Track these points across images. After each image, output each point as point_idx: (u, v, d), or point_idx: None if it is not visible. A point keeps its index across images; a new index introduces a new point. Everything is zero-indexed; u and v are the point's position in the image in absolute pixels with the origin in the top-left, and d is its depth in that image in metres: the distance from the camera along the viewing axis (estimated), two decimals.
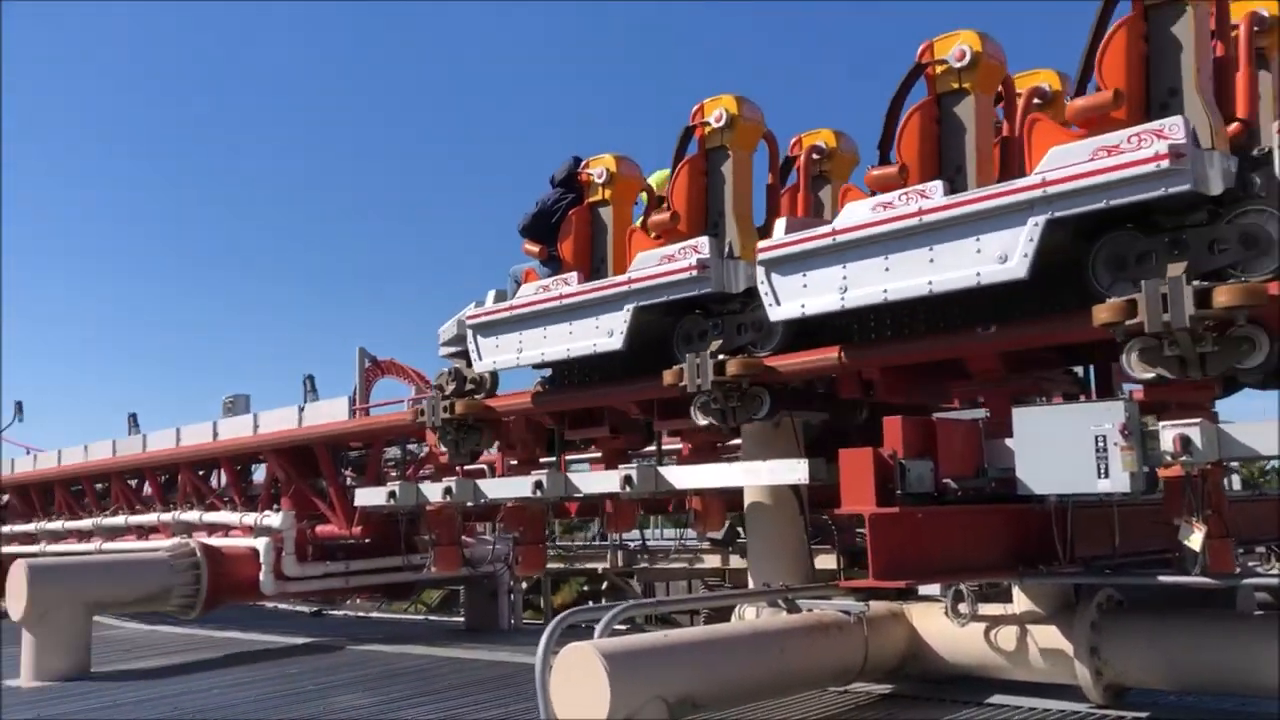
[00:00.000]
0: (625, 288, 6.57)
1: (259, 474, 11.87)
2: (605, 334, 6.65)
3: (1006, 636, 5.52)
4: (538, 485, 7.39)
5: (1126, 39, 4.95)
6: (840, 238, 5.64)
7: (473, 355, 7.56)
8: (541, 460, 8.54)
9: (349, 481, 10.45)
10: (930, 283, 5.31)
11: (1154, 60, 4.95)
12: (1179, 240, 4.83)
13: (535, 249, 7.70)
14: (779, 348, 6.18)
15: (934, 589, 5.94)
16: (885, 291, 5.49)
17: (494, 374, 7.97)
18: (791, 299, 5.87)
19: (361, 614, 14.27)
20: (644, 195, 7.35)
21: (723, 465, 6.79)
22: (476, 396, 8.10)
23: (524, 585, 11.71)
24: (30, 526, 14.47)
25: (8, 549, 14.77)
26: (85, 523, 13.26)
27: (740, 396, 6.23)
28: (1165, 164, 4.51)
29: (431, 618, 14.25)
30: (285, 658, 9.58)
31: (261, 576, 9.83)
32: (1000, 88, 5.76)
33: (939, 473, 4.99)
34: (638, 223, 7.06)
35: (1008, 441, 5.00)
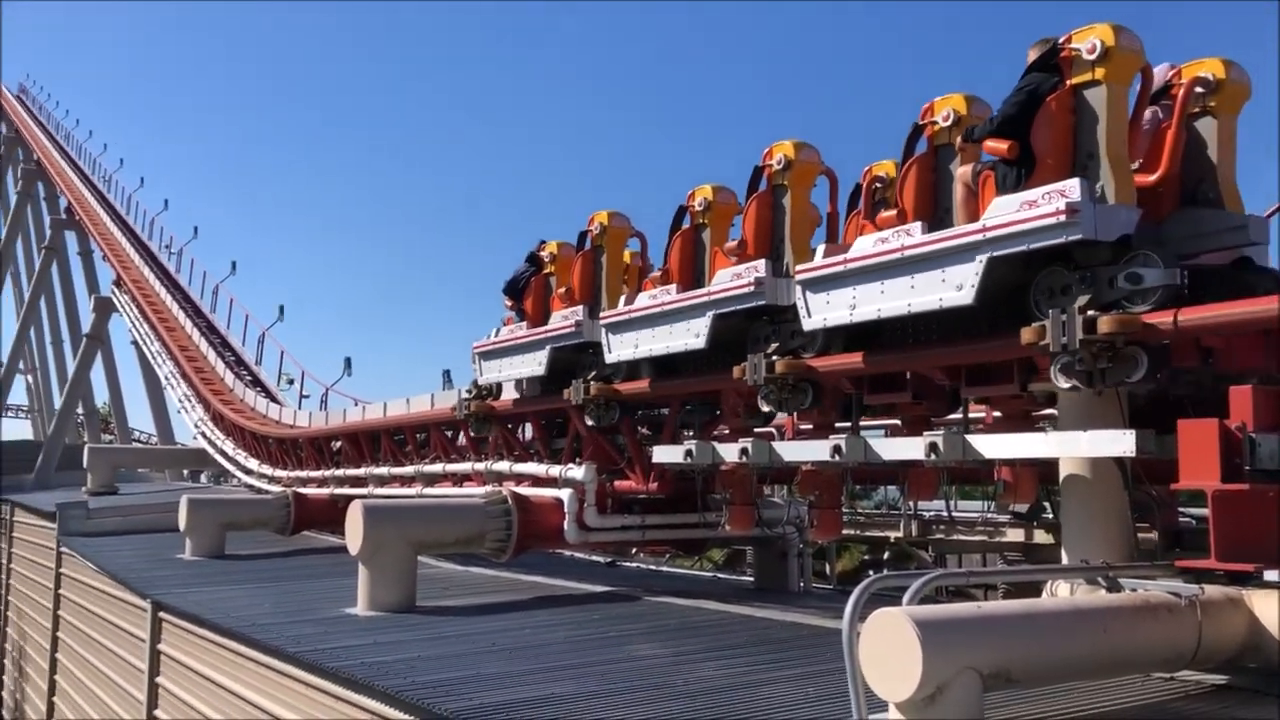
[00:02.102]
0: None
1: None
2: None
3: None
4: (836, 449, 7.33)
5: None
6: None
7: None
8: (836, 425, 8.46)
9: (645, 439, 10.74)
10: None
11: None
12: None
13: (509, 303, 11.64)
14: None
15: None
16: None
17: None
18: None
19: (653, 567, 14.73)
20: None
21: (1038, 435, 6.48)
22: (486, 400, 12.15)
23: (810, 550, 11.65)
24: (360, 471, 15.87)
25: (340, 490, 16.34)
26: (407, 469, 14.38)
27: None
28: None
29: (719, 575, 14.48)
30: (586, 604, 10.03)
31: (565, 525, 10.30)
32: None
33: None
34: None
35: None
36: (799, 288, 7.49)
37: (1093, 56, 6.07)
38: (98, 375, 43.23)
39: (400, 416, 14.75)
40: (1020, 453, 6.45)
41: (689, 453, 8.69)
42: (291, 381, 25.21)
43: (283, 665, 8.19)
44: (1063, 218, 5.80)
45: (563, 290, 10.58)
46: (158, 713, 11.93)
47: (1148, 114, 6.50)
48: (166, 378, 29.17)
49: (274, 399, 23.66)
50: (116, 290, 35.03)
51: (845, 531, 11.48)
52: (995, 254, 6.14)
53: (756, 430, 9.09)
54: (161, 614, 11.82)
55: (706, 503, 9.92)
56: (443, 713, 5.76)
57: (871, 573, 14.32)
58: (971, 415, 7.87)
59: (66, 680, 18.56)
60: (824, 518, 8.39)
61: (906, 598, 4.77)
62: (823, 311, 7.36)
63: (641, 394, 9.83)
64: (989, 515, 11.58)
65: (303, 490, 17.43)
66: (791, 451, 7.95)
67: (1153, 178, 6.25)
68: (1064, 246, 5.95)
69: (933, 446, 6.59)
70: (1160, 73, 6.55)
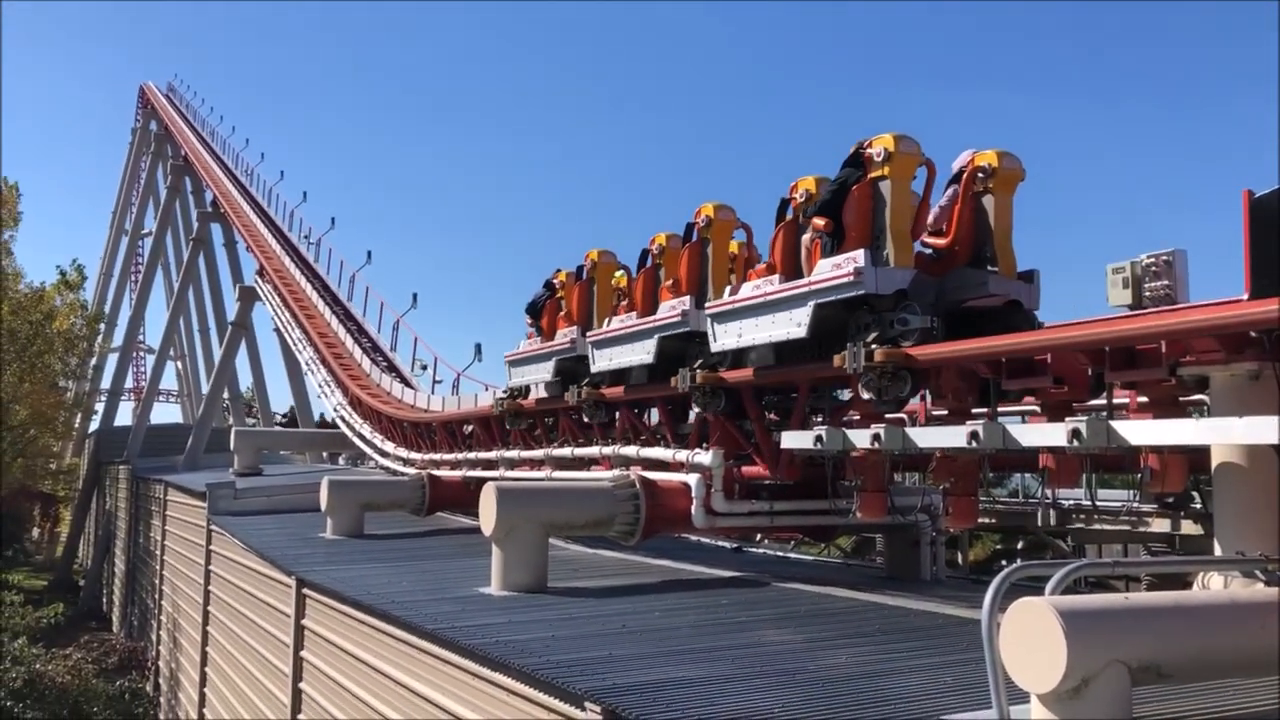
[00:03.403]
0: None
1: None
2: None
3: None
4: (973, 435, 7.15)
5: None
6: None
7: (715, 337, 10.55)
8: (973, 411, 8.27)
9: (772, 425, 10.67)
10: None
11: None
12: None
13: (529, 321, 14.55)
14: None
15: None
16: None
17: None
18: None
19: (780, 553, 14.66)
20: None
21: (1188, 421, 6.22)
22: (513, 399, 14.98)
23: (942, 538, 11.41)
24: (491, 454, 16.20)
25: (472, 473, 16.71)
26: (537, 453, 14.62)
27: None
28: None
29: (848, 562, 14.32)
30: (714, 589, 10.05)
31: (693, 510, 10.31)
32: None
33: None
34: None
35: None
36: (708, 319, 10.03)
37: (880, 159, 8.37)
38: (242, 361, 45.22)
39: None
40: (1169, 439, 6.19)
41: (819, 438, 8.60)
42: (425, 367, 25.86)
43: (421, 641, 8.45)
44: (852, 277, 8.14)
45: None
46: (302, 685, 12.44)
47: (949, 192, 8.58)
48: (307, 363, 30.29)
49: (408, 384, 24.33)
50: (259, 280, 36.48)
51: (980, 520, 11.19)
52: (819, 301, 8.48)
53: (889, 416, 8.94)
54: (305, 590, 12.32)
55: (836, 489, 9.81)
56: (578, 691, 5.86)
57: (1005, 562, 14.01)
58: (1116, 401, 7.58)
59: (217, 652, 19.50)
60: (959, 505, 8.20)
61: (1050, 587, 4.65)
62: (722, 339, 9.80)
63: (745, 380, 10.01)
64: (1133, 504, 11.13)
65: (436, 472, 17.88)
66: (926, 437, 7.80)
67: (944, 242, 8.48)
68: (861, 297, 8.20)
69: (1075, 433, 6.38)
70: (962, 158, 8.51)
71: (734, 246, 11.10)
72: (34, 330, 52.63)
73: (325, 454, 34.07)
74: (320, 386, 28.40)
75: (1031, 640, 4.35)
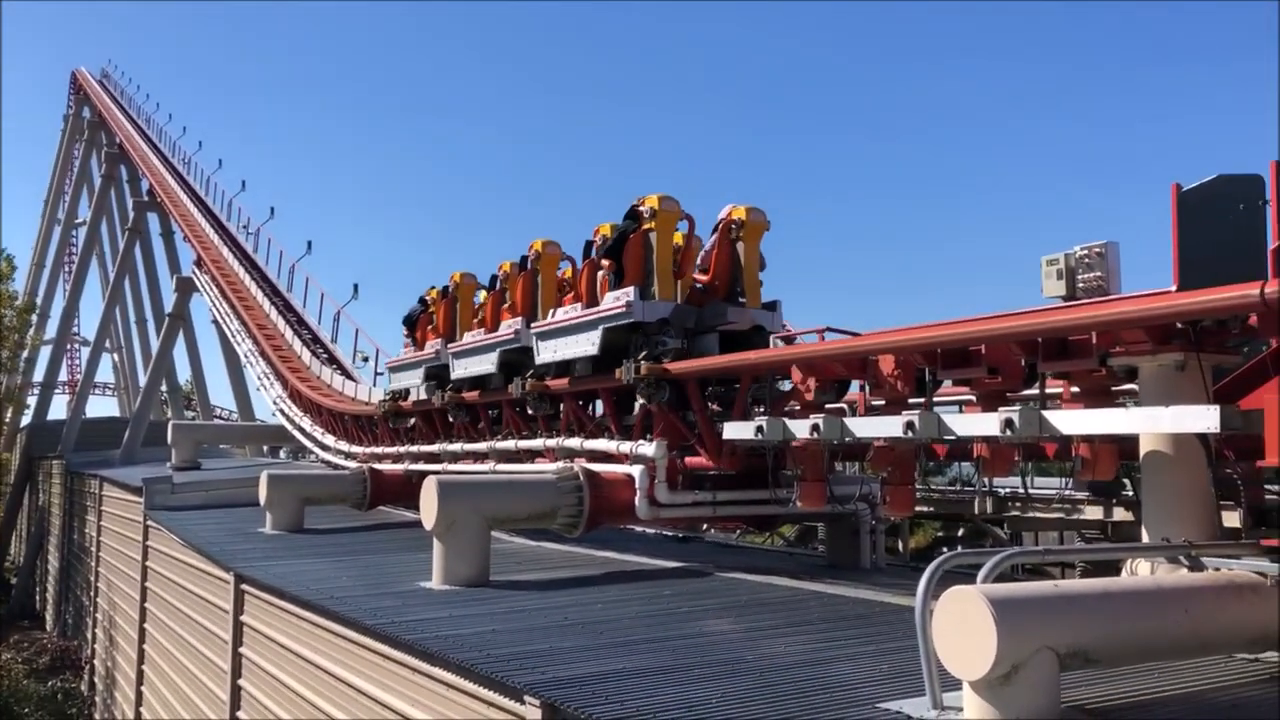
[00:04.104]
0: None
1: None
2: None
3: None
4: (909, 425, 7.25)
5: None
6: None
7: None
8: (910, 401, 8.37)
9: (715, 415, 10.73)
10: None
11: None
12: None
13: (405, 332, 17.36)
14: None
15: None
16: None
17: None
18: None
19: (723, 543, 14.74)
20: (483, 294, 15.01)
21: (1118, 410, 6.33)
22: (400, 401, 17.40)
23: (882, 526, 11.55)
24: (434, 447, 16.09)
25: (415, 466, 16.58)
26: (480, 445, 14.55)
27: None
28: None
29: (791, 551, 14.44)
30: (658, 579, 10.08)
31: (636, 501, 10.34)
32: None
33: None
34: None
35: None
36: (534, 337, 12.67)
37: (649, 215, 10.86)
38: (180, 353, 44.45)
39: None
40: (1100, 428, 6.33)
41: (760, 429, 8.66)
42: (366, 359, 25.65)
43: (361, 637, 8.37)
44: (625, 308, 10.72)
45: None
46: (241, 682, 12.27)
47: (714, 238, 11.05)
48: (246, 355, 29.86)
49: (350, 376, 24.10)
50: (197, 270, 35.88)
51: (918, 508, 11.35)
52: (606, 326, 11.04)
53: (828, 406, 9.03)
54: (244, 586, 12.15)
55: (778, 479, 9.88)
56: (517, 685, 5.85)
57: (945, 550, 14.20)
58: (1050, 390, 7.72)
59: (155, 649, 19.18)
60: (897, 494, 8.32)
61: (981, 575, 4.73)
62: (544, 353, 12.36)
63: (690, 371, 10.12)
64: (1066, 492, 11.36)
65: (378, 466, 17.74)
66: (864, 427, 7.89)
67: (706, 279, 11.04)
68: (633, 323, 10.74)
69: (1008, 423, 6.49)
70: (723, 211, 10.98)
71: (678, 238, 11.30)
72: None
73: (266, 448, 33.63)
74: (259, 379, 28.02)
75: (963, 628, 4.41)
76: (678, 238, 11.18)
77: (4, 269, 65.80)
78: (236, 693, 12.34)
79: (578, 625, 7.66)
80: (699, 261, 11.21)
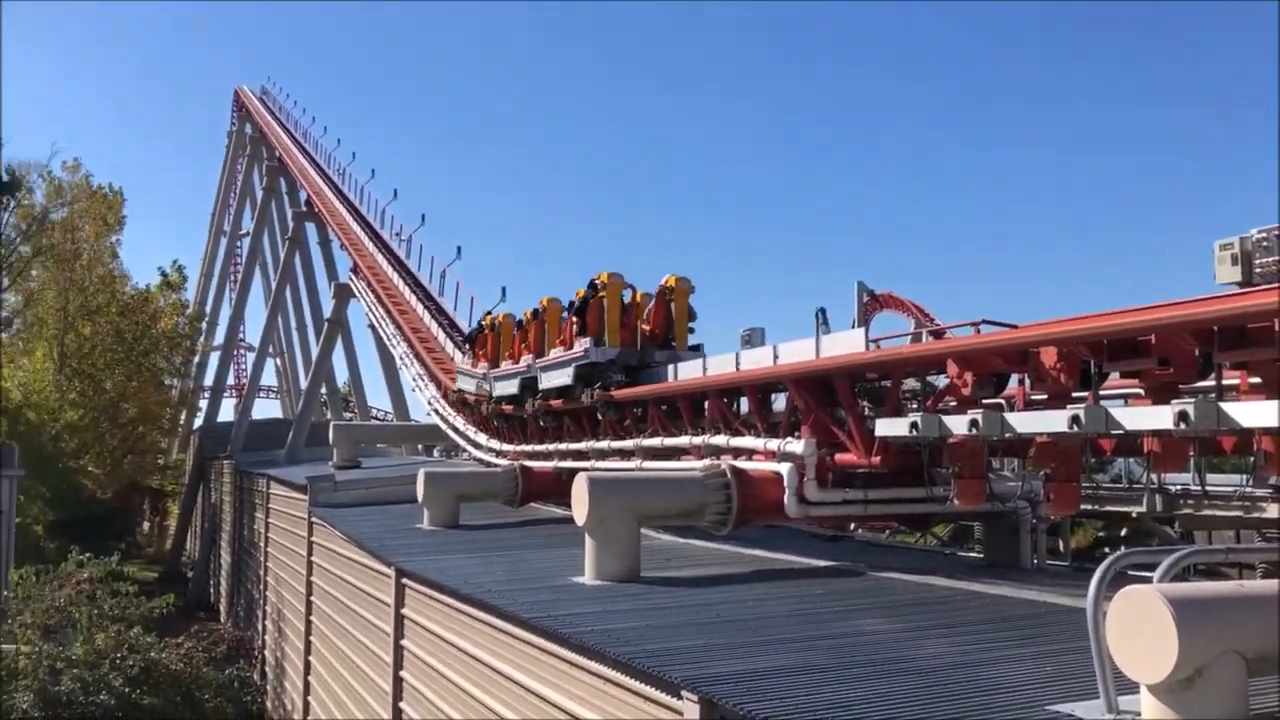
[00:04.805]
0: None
1: (779, 402, 12.40)
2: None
3: None
4: (1074, 419, 6.99)
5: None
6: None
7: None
8: (1073, 395, 8.06)
9: (866, 411, 10.55)
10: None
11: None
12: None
13: (467, 346, 22.42)
14: None
15: None
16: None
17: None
18: (544, 381, 17.26)
19: (875, 542, 14.49)
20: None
21: None
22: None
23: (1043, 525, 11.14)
24: (582, 445, 16.31)
25: (564, 464, 16.84)
26: (627, 443, 14.67)
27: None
28: (583, 353, 15.38)
29: (946, 550, 14.09)
30: (809, 578, 9.97)
31: (785, 499, 10.26)
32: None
33: None
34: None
35: None
36: (539, 369, 17.44)
37: (601, 286, 15.36)
38: (339, 357, 46.28)
39: (620, 393, 15.07)
40: None
41: (914, 425, 8.48)
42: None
43: (517, 630, 8.55)
44: (582, 353, 15.28)
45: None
46: (403, 673, 12.70)
47: (653, 300, 15.80)
48: (401, 358, 30.86)
49: None
50: (353, 277, 37.27)
51: (1082, 506, 10.91)
52: (576, 364, 15.48)
53: (985, 401, 8.77)
54: (404, 580, 12.56)
55: (933, 476, 9.66)
56: (675, 680, 5.87)
57: (1108, 550, 13.62)
58: (1226, 382, 7.32)
59: (320, 640, 20.02)
60: (1061, 491, 8.02)
61: (1158, 574, 4.52)
62: (545, 381, 17.10)
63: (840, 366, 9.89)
64: (1246, 489, 10.72)
65: (529, 464, 18.09)
66: (1026, 422, 7.64)
67: (648, 329, 15.63)
68: (591, 363, 15.25)
69: (1183, 415, 6.18)
70: (664, 279, 15.77)
71: (637, 296, 16.07)
72: (140, 330, 54.61)
73: (420, 447, 34.70)
74: (414, 380, 28.92)
75: (1140, 629, 4.22)
76: (637, 296, 15.89)
77: (176, 280, 69.78)
78: (399, 684, 12.77)
79: (731, 622, 7.65)
80: (645, 316, 15.86)
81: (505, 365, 18.90)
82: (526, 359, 17.80)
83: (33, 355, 52.78)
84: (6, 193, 48.39)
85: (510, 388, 18.48)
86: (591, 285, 15.64)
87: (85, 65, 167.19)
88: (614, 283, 15.50)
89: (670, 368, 14.29)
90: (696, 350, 15.00)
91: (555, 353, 16.73)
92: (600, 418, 15.43)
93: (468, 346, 21.47)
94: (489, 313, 20.83)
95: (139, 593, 19.78)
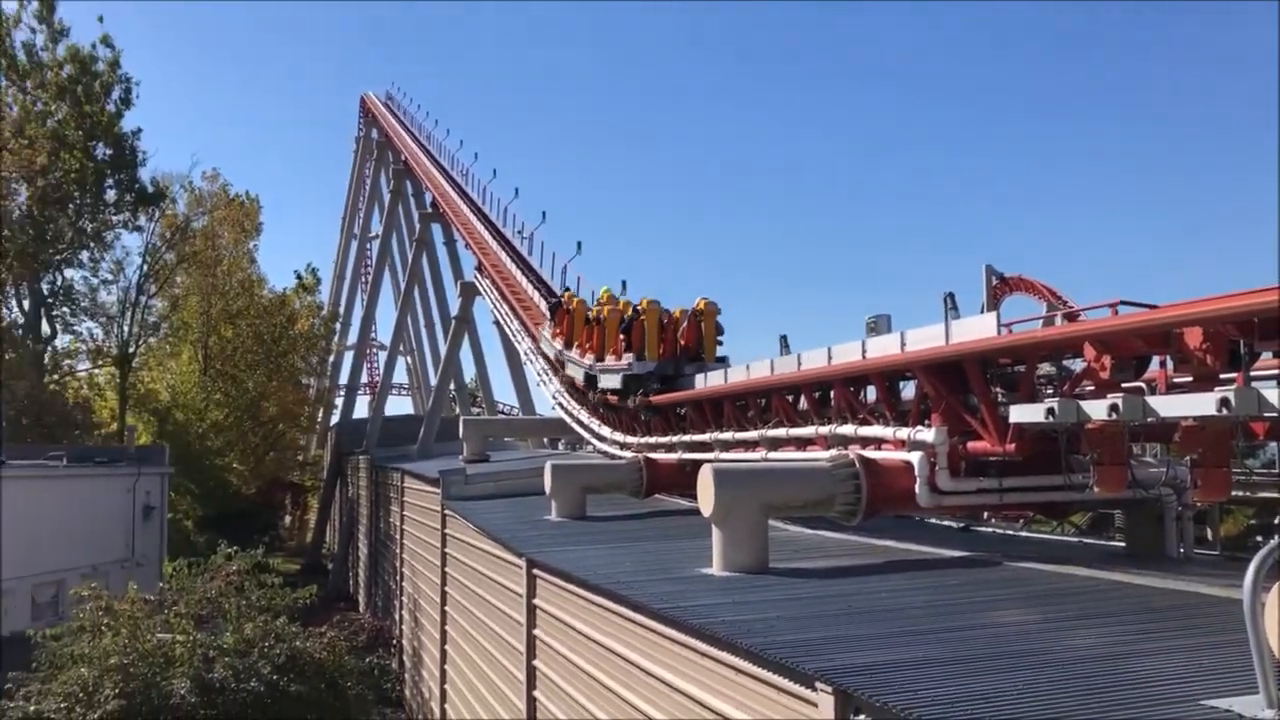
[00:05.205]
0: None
1: (906, 390, 12.16)
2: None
3: None
4: (1224, 402, 6.68)
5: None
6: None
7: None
8: (1221, 376, 7.69)
9: (999, 398, 10.27)
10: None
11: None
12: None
13: (549, 316, 26.20)
14: None
15: None
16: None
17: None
18: (603, 383, 20.98)
19: (1010, 531, 14.11)
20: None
21: None
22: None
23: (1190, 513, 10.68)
24: (705, 436, 16.31)
25: (688, 455, 16.87)
26: (751, 434, 14.61)
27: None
28: (625, 366, 19.24)
29: (1085, 540, 13.62)
30: (942, 568, 9.78)
31: (916, 489, 10.06)
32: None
33: None
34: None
35: None
36: (599, 372, 20.83)
37: (643, 310, 19.44)
38: (466, 354, 47.31)
39: (741, 383, 15.03)
40: None
41: (1051, 411, 8.22)
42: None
43: (649, 621, 8.60)
44: (626, 365, 19.16)
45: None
46: (536, 662, 12.92)
47: (688, 319, 19.01)
48: (525, 354, 31.35)
49: None
50: (478, 275, 38.02)
51: (1233, 493, 10.42)
52: (623, 374, 19.27)
53: (1124, 385, 8.44)
54: (535, 570, 12.77)
55: (1070, 463, 9.34)
56: (808, 671, 5.83)
57: (1261, 539, 12.95)
58: None
59: (455, 630, 20.52)
60: (1210, 477, 7.66)
61: None
62: (603, 383, 20.59)
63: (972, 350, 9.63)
64: None
65: (652, 455, 18.17)
66: (1170, 406, 7.33)
67: (684, 344, 19.01)
68: (633, 374, 18.93)
69: None
70: (696, 302, 19.11)
71: (677, 313, 19.55)
72: (278, 332, 56.81)
73: (545, 440, 35.23)
74: (539, 375, 29.32)
75: None
76: (677, 313, 19.34)
77: (310, 282, 72.31)
78: (532, 673, 13.00)
79: (863, 613, 7.56)
80: (681, 332, 19.11)
81: (609, 360, 20.79)
82: (628, 357, 19.47)
83: (179, 358, 55.51)
84: (152, 203, 50.99)
85: (614, 382, 20.23)
86: (634, 310, 19.83)
87: (221, 79, 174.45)
88: (651, 309, 19.39)
89: (701, 377, 17.14)
90: (723, 361, 18.17)
91: (609, 360, 20.41)
92: (675, 414, 18.18)
93: (549, 318, 25.81)
94: (568, 289, 26.29)
95: (283, 584, 20.57)
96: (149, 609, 18.51)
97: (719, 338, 18.96)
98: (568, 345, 23.36)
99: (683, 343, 18.95)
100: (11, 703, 16.76)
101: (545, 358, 27.43)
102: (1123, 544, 11.59)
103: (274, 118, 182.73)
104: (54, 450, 34.49)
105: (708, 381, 16.61)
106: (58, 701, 16.24)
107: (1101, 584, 8.45)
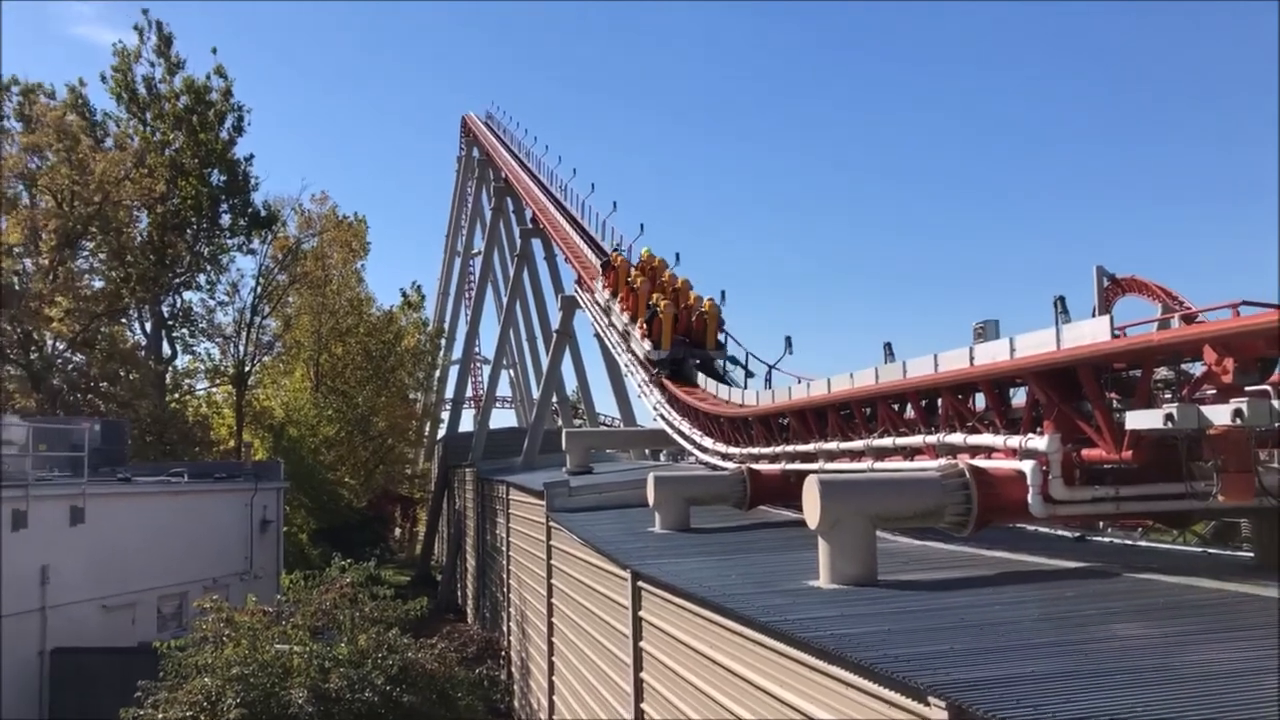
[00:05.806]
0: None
1: (1016, 397, 11.87)
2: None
3: None
4: None
5: (655, 322, 25.57)
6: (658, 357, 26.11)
7: None
8: None
9: (1114, 404, 9.96)
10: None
11: (660, 326, 25.40)
12: (675, 366, 25.32)
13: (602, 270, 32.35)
14: None
15: None
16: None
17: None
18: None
19: (1128, 541, 13.65)
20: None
21: None
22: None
23: None
24: (809, 446, 16.13)
25: (791, 466, 16.71)
26: (857, 444, 14.40)
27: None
28: (661, 352, 25.38)
29: (1209, 550, 13.08)
30: (1058, 580, 9.51)
31: (1029, 498, 9.79)
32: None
33: None
34: None
35: None
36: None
37: (661, 309, 25.34)
38: (567, 367, 47.69)
39: (845, 391, 14.85)
40: None
41: (1170, 416, 7.94)
42: (736, 362, 26.21)
43: (756, 634, 8.55)
44: (660, 352, 25.27)
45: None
46: (643, 675, 12.94)
47: (695, 316, 25.57)
48: (626, 366, 31.48)
49: (722, 380, 24.75)
50: (578, 289, 38.32)
51: None
52: (661, 357, 25.17)
53: (1248, 389, 8.10)
54: (640, 583, 12.80)
55: (1192, 471, 9.00)
56: (920, 685, 5.72)
57: None
58: None
59: (562, 642, 20.68)
60: None
61: None
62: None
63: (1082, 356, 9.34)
64: None
65: (755, 466, 18.06)
66: None
67: (695, 327, 25.69)
68: (654, 359, 25.38)
69: None
70: (704, 303, 25.67)
71: (692, 298, 26.14)
72: (386, 348, 58.21)
73: (647, 451, 35.30)
74: (639, 387, 29.40)
75: None
76: (691, 299, 25.37)
77: (415, 299, 73.92)
78: (640, 685, 13.02)
79: (976, 626, 7.39)
80: (694, 322, 24.85)
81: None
82: (647, 344, 25.48)
83: (292, 376, 57.26)
84: (264, 227, 52.81)
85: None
86: (652, 309, 25.36)
87: (328, 105, 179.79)
88: (666, 308, 24.98)
89: None
90: (721, 350, 24.88)
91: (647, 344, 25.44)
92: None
93: (601, 271, 31.29)
94: (617, 248, 33.72)
95: (394, 596, 21.00)
96: (267, 620, 19.09)
97: (719, 335, 25.48)
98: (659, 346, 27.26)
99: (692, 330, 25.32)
100: (141, 710, 17.44)
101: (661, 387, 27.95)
102: (1250, 554, 11.11)
103: (379, 141, 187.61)
104: (176, 467, 35.83)
105: (809, 391, 16.03)
106: (183, 710, 16.84)
107: (1231, 596, 8.13)
